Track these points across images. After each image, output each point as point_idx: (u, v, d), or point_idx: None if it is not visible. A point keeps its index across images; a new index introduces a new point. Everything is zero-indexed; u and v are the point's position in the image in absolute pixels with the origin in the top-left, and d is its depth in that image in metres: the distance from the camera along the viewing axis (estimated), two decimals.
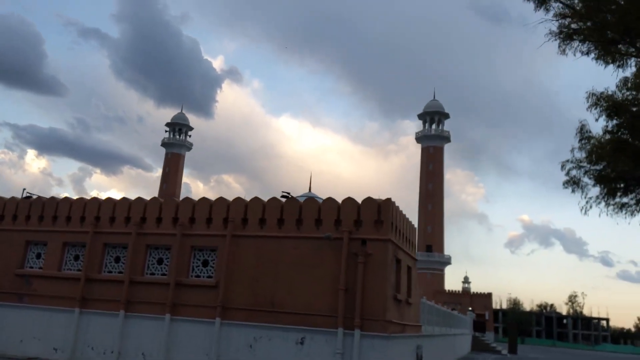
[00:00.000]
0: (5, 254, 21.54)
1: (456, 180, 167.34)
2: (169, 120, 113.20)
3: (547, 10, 17.84)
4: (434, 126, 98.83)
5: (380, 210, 17.19)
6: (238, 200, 19.20)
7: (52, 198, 21.89)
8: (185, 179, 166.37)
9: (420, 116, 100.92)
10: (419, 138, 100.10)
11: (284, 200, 18.82)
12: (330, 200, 18.02)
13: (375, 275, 16.60)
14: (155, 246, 19.79)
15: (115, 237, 20.30)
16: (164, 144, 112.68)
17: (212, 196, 20.24)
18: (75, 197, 21.88)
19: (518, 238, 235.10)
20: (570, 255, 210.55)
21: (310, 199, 18.47)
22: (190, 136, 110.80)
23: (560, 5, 18.01)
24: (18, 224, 21.85)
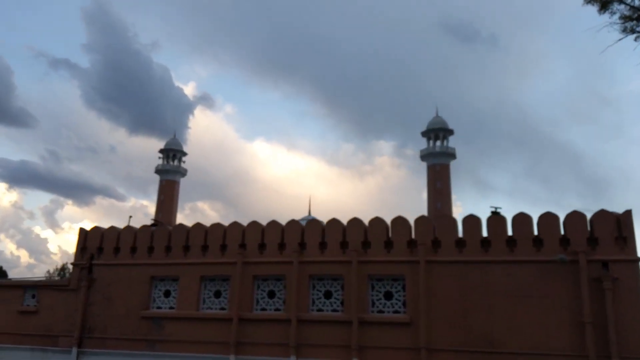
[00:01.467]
0: (125, 294, 18.27)
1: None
2: (162, 147, 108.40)
3: (612, 13, 16.22)
4: (438, 143, 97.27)
5: (620, 225, 14.74)
6: (423, 219, 16.53)
7: (181, 225, 18.75)
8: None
9: (423, 134, 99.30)
10: (424, 156, 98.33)
11: (490, 215, 16.22)
12: (549, 215, 15.48)
13: (628, 304, 14.08)
14: (320, 277, 16.88)
15: (267, 267, 17.30)
16: (157, 171, 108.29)
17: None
18: (106, 227, 19.27)
19: None
20: None
21: (522, 213, 15.81)
22: (184, 162, 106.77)
23: (625, 7, 16.40)
24: (138, 257, 18.62)
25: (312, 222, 17.62)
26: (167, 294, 18.15)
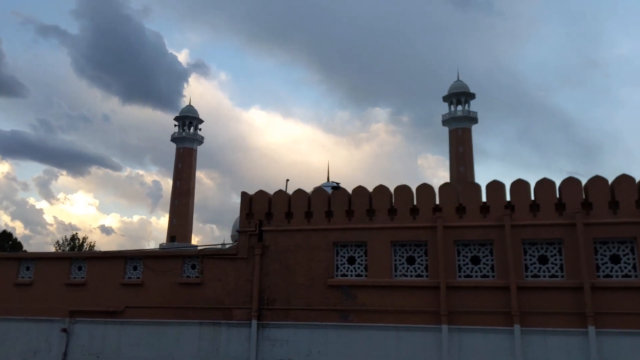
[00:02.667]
0: (305, 261, 16.91)
1: (427, 165, 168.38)
2: (177, 115, 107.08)
3: None
4: (459, 107, 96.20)
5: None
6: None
7: (361, 188, 17.30)
8: (155, 176, 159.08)
9: (445, 98, 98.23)
10: (446, 121, 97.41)
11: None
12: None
13: None
14: (533, 241, 15.67)
15: (470, 231, 16.02)
16: (174, 139, 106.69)
17: None
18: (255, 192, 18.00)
19: None
20: None
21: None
22: (200, 129, 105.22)
23: None
24: (317, 222, 17.19)
25: (518, 182, 16.27)
26: (351, 260, 16.82)
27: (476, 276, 15.85)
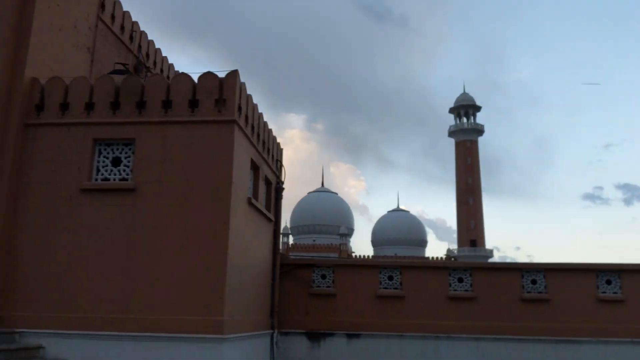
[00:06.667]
0: None
1: (339, 173, 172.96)
2: None
3: None
4: (464, 119, 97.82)
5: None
6: None
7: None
8: None
9: (451, 110, 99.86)
10: (453, 132, 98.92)
11: None
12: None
13: None
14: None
15: None
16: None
17: None
18: None
19: None
20: (442, 243, 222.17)
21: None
22: None
23: None
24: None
25: None
26: None
27: None
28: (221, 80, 10.94)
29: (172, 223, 10.30)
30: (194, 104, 10.85)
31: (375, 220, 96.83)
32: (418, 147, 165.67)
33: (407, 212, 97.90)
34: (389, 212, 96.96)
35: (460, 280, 14.51)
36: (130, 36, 15.51)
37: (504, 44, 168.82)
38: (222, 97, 10.80)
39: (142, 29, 16.30)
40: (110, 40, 14.40)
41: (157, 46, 17.28)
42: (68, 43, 12.50)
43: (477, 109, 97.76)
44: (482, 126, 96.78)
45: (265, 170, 13.46)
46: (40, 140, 10.99)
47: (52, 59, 11.84)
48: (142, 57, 15.96)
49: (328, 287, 14.64)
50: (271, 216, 14.06)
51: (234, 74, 10.99)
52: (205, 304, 9.88)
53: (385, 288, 14.59)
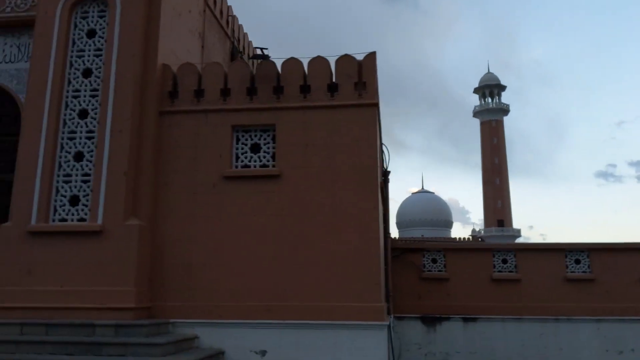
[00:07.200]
0: None
1: None
2: None
3: None
4: (489, 99, 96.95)
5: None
6: None
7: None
8: None
9: (476, 90, 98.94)
10: (477, 112, 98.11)
11: None
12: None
13: None
14: None
15: None
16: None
17: None
18: None
19: None
20: (456, 223, 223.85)
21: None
22: None
23: None
24: None
25: None
26: None
27: None
28: (360, 62, 10.73)
29: (320, 209, 10.16)
30: (332, 87, 10.66)
31: (394, 203, 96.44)
32: (432, 128, 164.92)
33: (432, 193, 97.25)
34: (413, 193, 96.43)
35: (578, 261, 14.32)
36: (226, 21, 15.28)
37: (517, 23, 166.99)
38: (362, 80, 10.60)
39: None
40: (214, 25, 14.19)
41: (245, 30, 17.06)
42: (185, 28, 12.31)
43: (502, 88, 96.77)
44: (508, 105, 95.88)
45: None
46: (176, 127, 10.84)
47: (175, 45, 11.67)
48: (236, 42, 15.78)
49: (440, 271, 14.54)
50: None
51: (372, 56, 10.78)
52: (360, 290, 9.74)
53: (500, 271, 14.45)
